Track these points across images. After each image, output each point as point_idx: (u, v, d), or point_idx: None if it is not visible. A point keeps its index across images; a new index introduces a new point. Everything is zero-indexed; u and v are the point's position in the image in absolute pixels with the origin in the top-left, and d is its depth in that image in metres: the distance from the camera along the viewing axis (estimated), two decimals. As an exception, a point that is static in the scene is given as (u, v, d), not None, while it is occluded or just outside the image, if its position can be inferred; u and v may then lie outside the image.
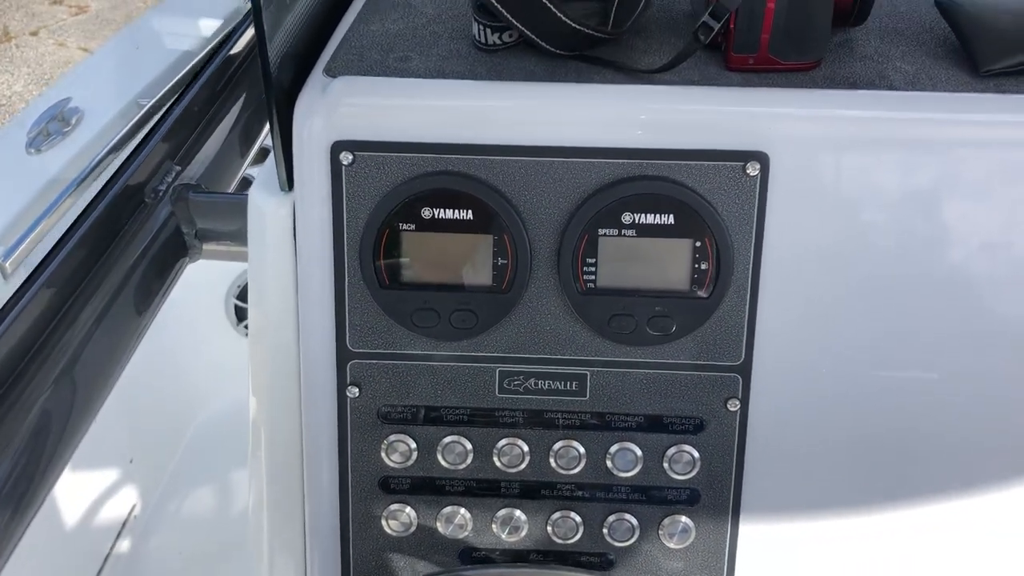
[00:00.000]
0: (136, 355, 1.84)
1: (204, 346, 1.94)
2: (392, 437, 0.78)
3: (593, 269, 0.73)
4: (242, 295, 1.97)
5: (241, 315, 1.98)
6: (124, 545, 1.68)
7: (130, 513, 1.73)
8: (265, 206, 0.76)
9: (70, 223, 0.84)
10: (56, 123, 1.15)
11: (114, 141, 0.98)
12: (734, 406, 0.76)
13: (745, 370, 0.76)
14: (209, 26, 1.27)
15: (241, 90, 1.08)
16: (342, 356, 0.77)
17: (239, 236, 0.85)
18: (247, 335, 2.01)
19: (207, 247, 0.89)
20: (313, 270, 0.75)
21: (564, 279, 0.73)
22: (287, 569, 0.84)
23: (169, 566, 1.68)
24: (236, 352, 1.95)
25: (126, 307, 0.85)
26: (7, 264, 0.83)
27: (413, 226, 0.73)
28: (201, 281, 1.86)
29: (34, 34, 4.50)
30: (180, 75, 1.08)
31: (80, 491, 1.59)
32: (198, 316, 1.93)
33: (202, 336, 1.94)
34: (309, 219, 0.74)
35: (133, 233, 0.87)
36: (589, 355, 0.76)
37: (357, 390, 0.77)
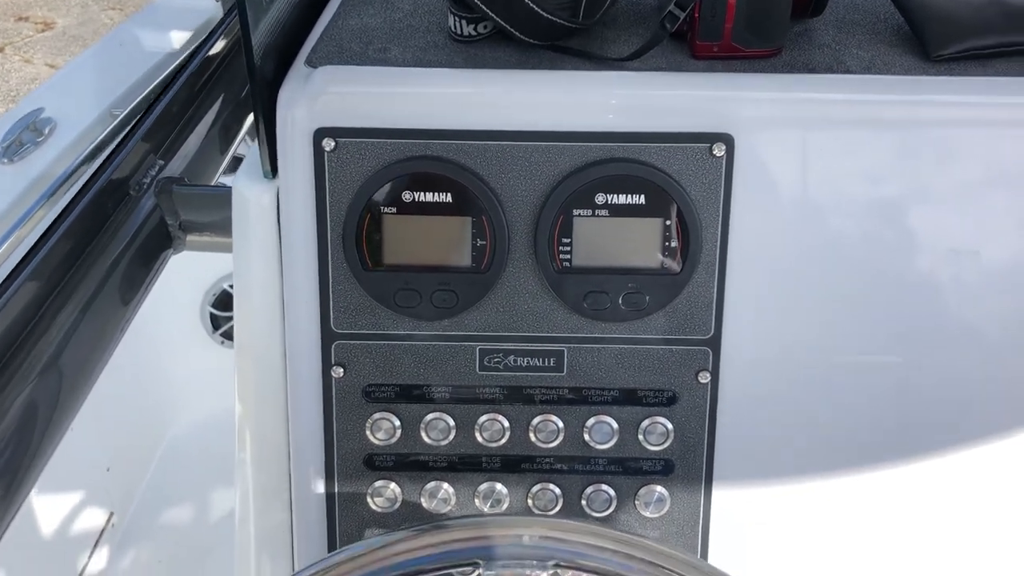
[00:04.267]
0: (112, 364, 1.83)
1: (180, 355, 1.94)
2: (376, 415, 0.80)
3: (568, 249, 0.76)
4: (217, 303, 1.98)
5: (216, 323, 1.98)
6: (102, 554, 1.68)
7: (108, 522, 1.72)
8: (249, 193, 0.78)
9: (55, 216, 0.85)
10: (30, 133, 1.16)
11: (89, 149, 1.00)
12: (705, 378, 0.79)
13: (715, 343, 0.79)
14: (182, 37, 1.29)
15: (220, 89, 1.10)
16: (327, 337, 0.79)
17: (223, 226, 0.87)
18: (223, 343, 2.01)
19: (191, 238, 0.91)
20: (297, 254, 0.78)
21: (541, 259, 0.76)
22: (274, 547, 0.85)
23: (148, 575, 1.68)
24: (212, 361, 1.96)
25: (111, 298, 0.86)
26: None
27: (394, 209, 0.75)
28: (176, 290, 1.90)
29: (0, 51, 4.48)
30: (155, 82, 1.10)
31: (57, 500, 1.59)
32: (173, 325, 1.94)
33: (178, 345, 1.94)
34: (293, 204, 0.77)
35: (118, 225, 0.88)
36: (566, 332, 0.79)
37: (342, 370, 0.79)
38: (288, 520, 0.84)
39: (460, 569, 0.54)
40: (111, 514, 1.73)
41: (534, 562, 0.54)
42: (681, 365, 0.79)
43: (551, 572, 0.54)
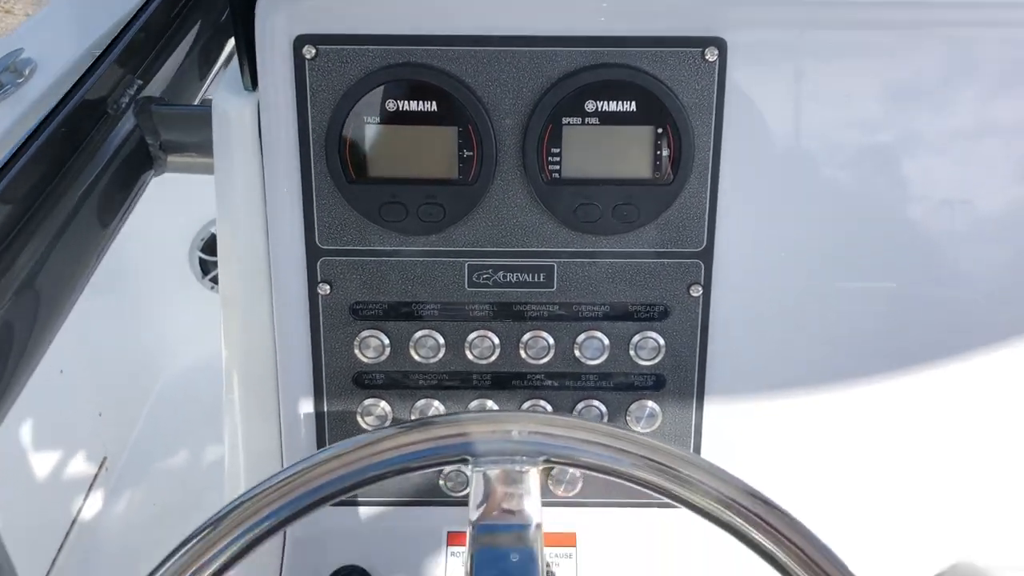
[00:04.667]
0: (102, 309, 1.81)
1: (169, 300, 1.92)
2: (364, 333, 0.79)
3: (558, 159, 0.74)
4: (206, 248, 1.96)
5: (206, 268, 1.96)
6: (96, 498, 1.68)
7: (101, 466, 1.72)
8: (229, 107, 0.76)
9: (27, 135, 0.83)
10: (8, 74, 1.13)
11: (63, 91, 0.97)
12: (697, 292, 0.78)
13: (707, 256, 0.77)
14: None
15: (201, 9, 1.07)
16: (312, 254, 0.77)
17: (204, 147, 0.85)
18: (212, 289, 2.00)
19: (172, 159, 0.89)
20: (280, 168, 0.76)
21: (529, 170, 0.74)
22: (263, 471, 0.84)
23: (143, 518, 1.68)
24: (202, 306, 1.95)
25: (89, 219, 0.84)
26: None
27: (378, 119, 0.73)
28: (164, 235, 1.88)
29: (-22, 1, 4.38)
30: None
31: (50, 445, 1.58)
32: (162, 270, 1.92)
33: (166, 291, 1.92)
34: (274, 117, 0.75)
35: (96, 145, 0.86)
36: (556, 246, 0.77)
37: (328, 287, 0.78)
38: (278, 441, 0.83)
39: (449, 467, 0.53)
40: (104, 459, 1.73)
41: (524, 458, 0.53)
42: (673, 279, 0.78)
43: (541, 468, 0.53)
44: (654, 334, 0.79)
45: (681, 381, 0.81)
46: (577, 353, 0.80)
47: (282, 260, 0.78)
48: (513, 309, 0.79)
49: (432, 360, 0.80)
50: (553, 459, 0.53)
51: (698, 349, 0.80)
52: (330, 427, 0.81)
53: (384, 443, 0.53)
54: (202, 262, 1.93)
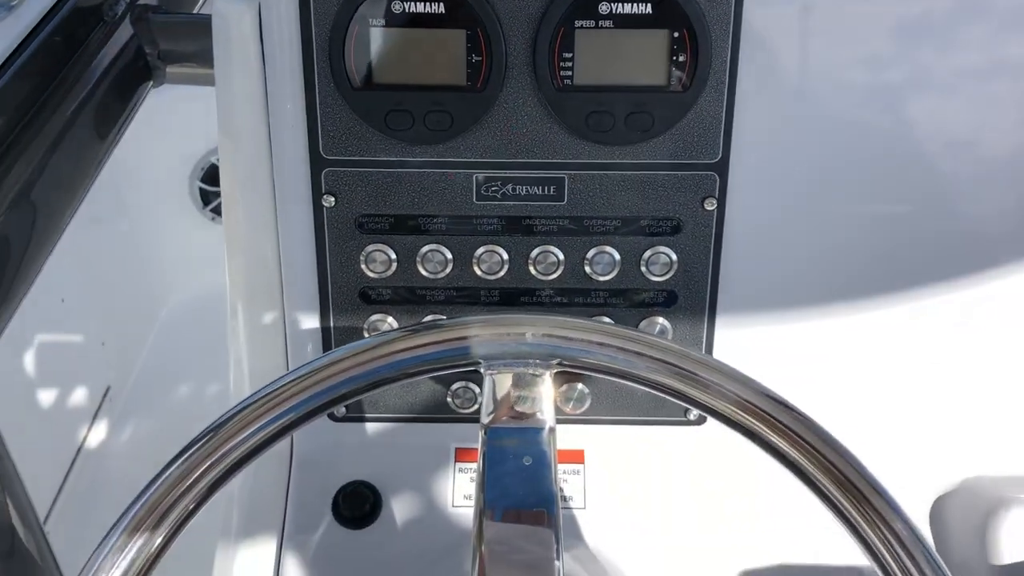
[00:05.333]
0: (103, 239, 1.79)
1: (170, 230, 1.92)
2: (370, 247, 0.77)
3: (570, 64, 0.71)
4: (205, 177, 1.94)
5: (206, 198, 1.94)
6: (101, 427, 1.69)
7: (104, 396, 1.73)
8: (230, 14, 0.73)
9: (18, 42, 0.80)
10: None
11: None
12: (711, 205, 0.76)
13: (722, 168, 0.75)
14: None
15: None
16: (316, 164, 0.75)
17: (204, 57, 0.82)
18: (213, 220, 1.98)
19: (171, 70, 0.87)
20: (282, 75, 0.73)
21: (540, 76, 0.72)
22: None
23: (146, 449, 1.69)
24: (203, 236, 1.94)
25: (86, 131, 0.82)
26: None
27: (383, 22, 0.71)
28: (163, 166, 1.87)
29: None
30: None
31: (53, 375, 1.59)
32: (163, 200, 1.91)
33: (168, 220, 1.92)
34: (276, 21, 0.72)
35: (91, 54, 0.83)
36: (567, 157, 0.75)
37: (333, 199, 0.76)
38: (283, 357, 0.82)
39: (458, 382, 0.52)
40: (108, 388, 1.74)
41: (537, 361, 0.51)
42: (687, 191, 0.76)
43: (555, 372, 0.52)
44: (666, 249, 0.78)
45: (693, 297, 0.79)
46: (587, 268, 0.78)
47: (286, 171, 0.76)
48: (522, 223, 0.77)
49: (439, 275, 0.78)
50: (567, 362, 0.51)
51: (711, 265, 0.78)
52: (337, 343, 0.80)
53: (394, 344, 0.52)
54: (202, 192, 1.92)
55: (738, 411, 0.51)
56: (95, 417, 1.70)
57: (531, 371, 0.51)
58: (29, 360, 1.52)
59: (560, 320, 0.53)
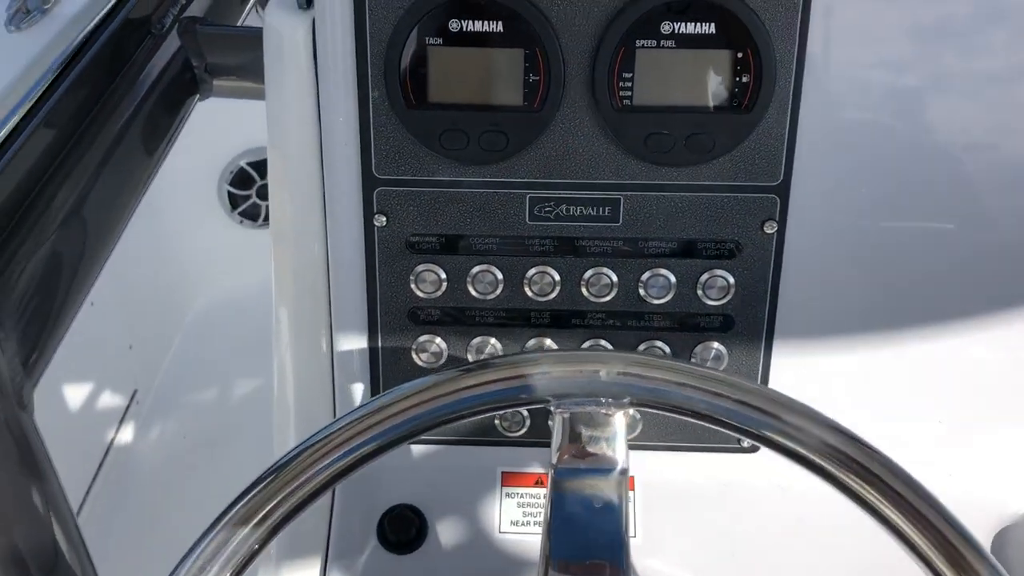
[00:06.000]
0: (131, 243, 1.82)
1: (198, 234, 1.93)
2: (420, 267, 0.76)
3: (630, 84, 0.70)
4: (235, 182, 1.94)
5: (235, 202, 1.95)
6: (127, 431, 1.70)
7: (131, 399, 1.73)
8: (282, 27, 0.72)
9: (67, 58, 0.79)
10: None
11: (104, 11, 0.92)
12: (771, 228, 0.74)
13: (783, 191, 0.73)
14: None
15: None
16: (368, 183, 0.74)
17: (252, 70, 0.82)
18: (241, 223, 1.97)
19: (218, 83, 0.86)
20: (336, 92, 0.72)
21: (599, 96, 0.70)
22: (315, 406, 0.83)
23: (173, 450, 1.70)
24: (231, 240, 1.94)
25: (134, 145, 0.82)
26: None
27: (440, 40, 0.69)
28: (193, 168, 1.87)
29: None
30: None
31: (81, 378, 1.59)
32: (191, 204, 1.91)
33: (196, 224, 1.92)
34: (329, 37, 0.71)
35: (139, 67, 0.83)
36: (623, 178, 0.74)
37: (384, 219, 0.75)
38: (329, 376, 0.81)
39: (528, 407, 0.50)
40: (135, 391, 1.74)
41: (610, 400, 0.50)
42: (746, 214, 0.74)
43: (628, 411, 0.50)
44: (723, 272, 0.76)
45: (750, 322, 0.77)
46: (641, 291, 0.77)
47: (337, 190, 0.75)
48: (575, 244, 0.76)
49: (489, 296, 0.77)
50: (642, 402, 0.50)
51: (769, 289, 0.76)
52: (384, 363, 0.79)
53: (462, 380, 0.50)
54: (231, 196, 1.93)
55: (826, 460, 0.49)
56: (122, 420, 1.70)
57: (604, 410, 0.50)
58: (58, 363, 1.53)
59: (635, 357, 0.51)
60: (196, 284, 1.94)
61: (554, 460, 0.50)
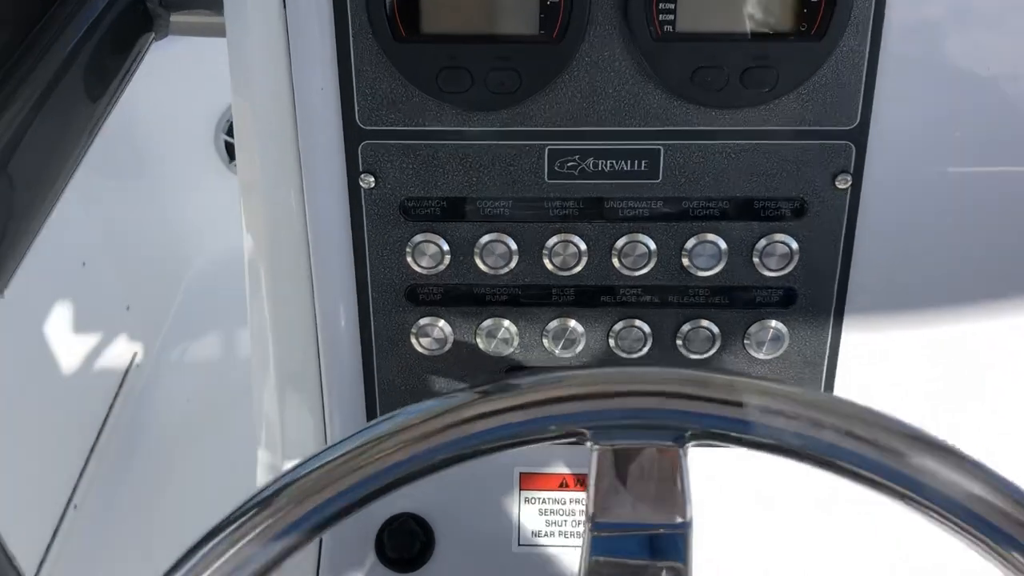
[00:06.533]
0: (124, 198, 1.79)
1: (195, 188, 1.90)
2: (419, 237, 0.69)
3: (672, 7, 0.61)
4: (232, 131, 1.90)
5: (232, 153, 1.94)
6: (128, 393, 1.68)
7: (132, 361, 1.71)
8: None
9: None
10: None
11: None
12: (844, 183, 0.67)
13: (860, 137, 0.65)
14: None
15: None
16: (351, 136, 0.66)
17: (214, 3, 0.74)
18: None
19: (175, 19, 0.79)
20: (308, 25, 0.64)
21: (633, 22, 0.62)
22: (300, 399, 0.75)
23: (175, 413, 1.69)
24: (230, 193, 1.89)
25: (73, 91, 0.74)
26: None
27: None
28: (187, 119, 1.84)
29: None
30: None
31: (78, 340, 1.57)
32: (187, 157, 1.88)
33: (192, 178, 1.89)
34: None
35: (80, 2, 0.72)
36: (664, 124, 0.66)
37: (372, 179, 0.68)
38: (316, 369, 0.74)
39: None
40: (135, 354, 1.72)
41: (665, 433, 0.37)
42: (814, 166, 0.66)
43: (688, 447, 0.38)
44: (785, 237, 0.68)
45: (816, 297, 0.70)
46: (685, 261, 0.69)
47: (314, 145, 0.67)
48: (605, 206, 0.68)
49: (502, 270, 0.70)
50: (708, 438, 0.37)
51: (840, 257, 0.69)
52: (379, 352, 0.72)
53: (462, 411, 0.39)
54: (228, 146, 1.89)
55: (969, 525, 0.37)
56: (121, 384, 1.69)
57: (657, 446, 0.37)
58: (53, 327, 1.51)
59: (702, 376, 0.39)
60: (195, 241, 1.92)
61: (591, 511, 0.38)
